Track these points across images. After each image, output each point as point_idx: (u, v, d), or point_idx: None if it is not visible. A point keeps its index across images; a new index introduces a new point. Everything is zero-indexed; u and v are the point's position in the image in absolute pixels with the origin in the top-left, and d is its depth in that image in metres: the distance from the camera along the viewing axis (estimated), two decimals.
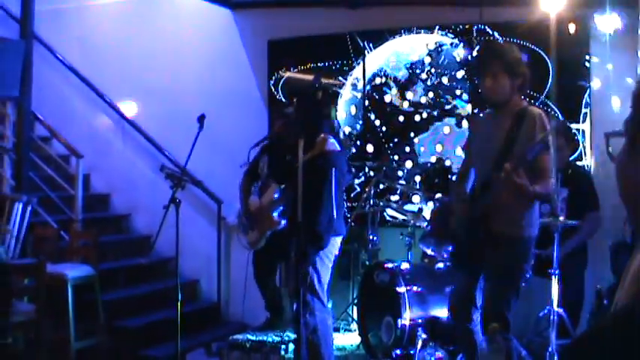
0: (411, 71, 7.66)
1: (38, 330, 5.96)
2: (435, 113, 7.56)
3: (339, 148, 5.32)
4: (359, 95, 7.91)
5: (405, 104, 7.70)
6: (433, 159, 7.53)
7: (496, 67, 4.60)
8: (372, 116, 7.83)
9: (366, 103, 7.84)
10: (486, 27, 7.25)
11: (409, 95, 7.67)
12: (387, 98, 7.75)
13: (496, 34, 7.21)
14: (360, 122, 7.90)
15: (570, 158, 6.50)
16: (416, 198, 7.42)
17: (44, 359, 6.02)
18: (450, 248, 5.10)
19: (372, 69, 7.85)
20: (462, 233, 4.72)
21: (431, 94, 7.56)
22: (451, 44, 7.48)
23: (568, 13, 6.62)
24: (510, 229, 4.55)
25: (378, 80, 7.81)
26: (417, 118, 7.64)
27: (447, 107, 7.49)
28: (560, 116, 6.90)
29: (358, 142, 7.85)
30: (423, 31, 7.61)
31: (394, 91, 7.75)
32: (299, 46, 8.18)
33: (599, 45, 6.82)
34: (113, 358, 6.81)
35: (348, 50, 7.92)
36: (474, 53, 7.28)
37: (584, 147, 6.93)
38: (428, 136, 7.60)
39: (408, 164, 7.63)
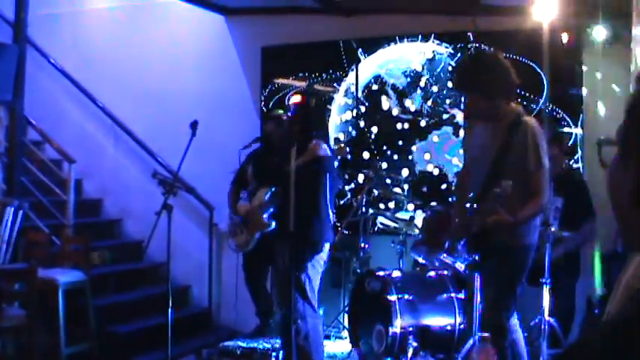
0: (409, 79, 7.66)
1: (29, 335, 5.94)
2: (424, 122, 7.56)
3: (330, 153, 5.33)
4: (353, 101, 7.92)
5: (396, 111, 7.70)
6: (430, 167, 7.54)
7: (472, 90, 4.58)
8: (363, 123, 7.83)
9: (363, 109, 7.84)
10: (479, 39, 7.28)
11: (407, 103, 7.66)
12: (385, 105, 7.75)
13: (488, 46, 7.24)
14: (351, 128, 7.91)
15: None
16: (411, 206, 7.44)
17: None
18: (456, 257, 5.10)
19: (367, 75, 7.85)
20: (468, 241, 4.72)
21: (429, 103, 7.56)
22: (448, 54, 7.49)
23: (561, 23, 6.64)
24: (509, 239, 4.56)
25: (375, 87, 7.81)
26: (407, 125, 7.66)
27: (445, 116, 7.49)
28: (558, 121, 6.92)
29: (348, 149, 7.85)
30: (418, 39, 7.62)
31: (385, 98, 7.76)
32: (292, 52, 8.19)
33: (592, 55, 6.85)
34: None
35: (341, 57, 7.93)
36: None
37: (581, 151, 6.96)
38: (426, 145, 7.60)
39: (405, 172, 7.63)
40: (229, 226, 6.74)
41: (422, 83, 7.59)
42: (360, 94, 7.86)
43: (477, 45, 7.30)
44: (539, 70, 7.00)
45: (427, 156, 7.57)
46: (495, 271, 4.59)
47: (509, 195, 4.23)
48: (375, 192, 7.42)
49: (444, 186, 7.47)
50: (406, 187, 7.60)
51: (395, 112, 7.71)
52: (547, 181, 4.54)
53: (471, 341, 5.01)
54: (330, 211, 5.26)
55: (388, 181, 7.62)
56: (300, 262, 5.10)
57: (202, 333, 7.96)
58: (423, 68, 7.60)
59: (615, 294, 1.94)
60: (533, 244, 4.69)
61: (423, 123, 7.59)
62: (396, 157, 7.68)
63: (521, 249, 4.62)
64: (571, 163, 6.89)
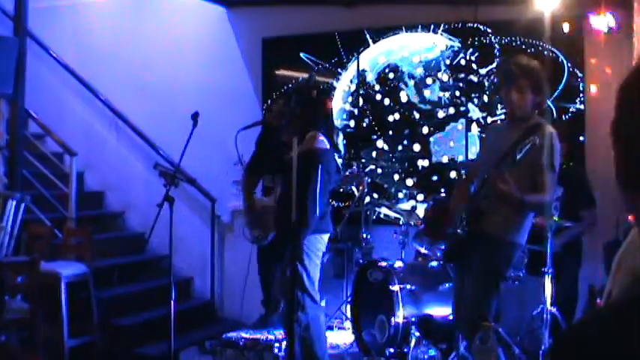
0: (425, 70, 7.62)
1: (32, 328, 5.96)
2: (443, 113, 7.52)
3: (327, 146, 5.31)
4: (362, 90, 7.90)
5: (415, 100, 7.69)
6: (445, 159, 7.51)
7: (525, 83, 4.67)
8: (376, 112, 7.82)
9: (378, 97, 7.81)
10: (485, 27, 7.26)
11: (426, 93, 7.62)
12: (402, 95, 7.72)
13: (493, 36, 7.23)
14: (351, 120, 7.91)
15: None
16: (420, 196, 7.44)
17: (38, 357, 6.01)
18: (443, 246, 5.14)
19: (381, 63, 7.82)
20: (456, 230, 4.77)
21: (447, 94, 7.52)
22: (457, 47, 7.46)
23: (563, 13, 6.63)
24: (498, 230, 4.64)
25: (391, 75, 7.78)
26: (424, 115, 7.65)
27: (462, 108, 7.46)
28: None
29: (343, 139, 7.84)
30: (420, 30, 7.60)
31: (403, 87, 7.74)
32: (294, 43, 8.18)
33: (593, 44, 6.84)
34: (107, 356, 6.80)
35: (344, 47, 7.91)
36: (497, 67, 7.23)
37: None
38: (444, 136, 7.57)
39: (422, 163, 7.61)
40: (245, 216, 6.68)
41: (440, 75, 7.56)
42: (374, 82, 7.84)
43: (482, 38, 7.28)
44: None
45: (416, 147, 7.57)
46: (480, 263, 4.65)
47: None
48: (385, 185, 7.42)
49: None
50: (397, 177, 7.59)
51: (414, 100, 7.66)
52: (554, 185, 4.67)
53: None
54: (320, 203, 5.24)
55: (379, 170, 7.60)
56: (284, 252, 5.12)
57: (205, 325, 7.97)
58: (438, 60, 7.56)
59: (614, 273, 1.95)
60: (521, 244, 4.78)
61: (440, 114, 7.55)
62: (416, 146, 7.66)
63: (507, 245, 4.68)
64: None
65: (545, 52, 6.95)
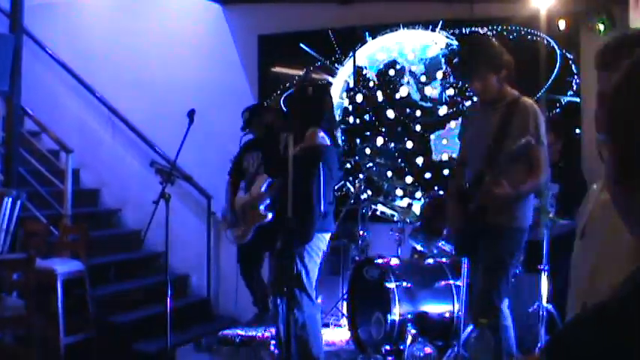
0: (425, 67, 7.61)
1: (28, 325, 5.95)
2: (444, 111, 7.52)
3: (328, 142, 5.29)
4: (358, 87, 7.89)
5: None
6: (445, 156, 7.50)
7: (480, 68, 4.65)
8: (374, 108, 7.80)
9: (380, 94, 7.80)
10: (483, 25, 7.27)
11: (427, 90, 7.61)
12: (403, 91, 7.70)
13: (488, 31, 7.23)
14: (350, 115, 7.90)
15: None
16: (419, 193, 7.44)
17: (34, 354, 6.00)
18: (450, 243, 5.15)
19: (382, 59, 7.81)
20: (459, 226, 4.79)
21: (448, 92, 7.51)
22: (457, 45, 7.45)
23: (558, 10, 6.64)
24: (503, 219, 4.64)
25: (392, 72, 7.77)
26: (425, 113, 7.64)
27: (461, 106, 7.44)
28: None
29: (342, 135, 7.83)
30: (417, 27, 7.61)
31: (403, 83, 7.72)
32: (289, 41, 8.17)
33: (589, 41, 6.83)
34: (103, 353, 6.79)
35: (339, 44, 7.90)
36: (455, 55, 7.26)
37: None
38: (444, 133, 7.56)
39: (420, 160, 7.60)
40: (226, 218, 6.73)
41: (440, 73, 7.54)
42: (373, 79, 7.83)
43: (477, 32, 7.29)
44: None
45: (409, 144, 7.56)
46: (489, 253, 4.66)
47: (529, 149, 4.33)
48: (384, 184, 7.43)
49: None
50: (390, 174, 7.58)
51: (415, 98, 7.64)
52: (547, 158, 4.66)
53: (469, 328, 5.04)
54: (323, 201, 5.22)
55: (372, 169, 7.58)
56: (291, 251, 5.09)
57: (201, 322, 7.97)
58: (438, 57, 7.55)
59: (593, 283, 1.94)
60: (527, 227, 4.79)
61: (441, 112, 7.53)
62: (411, 144, 7.65)
63: (515, 231, 4.70)
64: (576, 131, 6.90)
65: (531, 37, 6.96)
